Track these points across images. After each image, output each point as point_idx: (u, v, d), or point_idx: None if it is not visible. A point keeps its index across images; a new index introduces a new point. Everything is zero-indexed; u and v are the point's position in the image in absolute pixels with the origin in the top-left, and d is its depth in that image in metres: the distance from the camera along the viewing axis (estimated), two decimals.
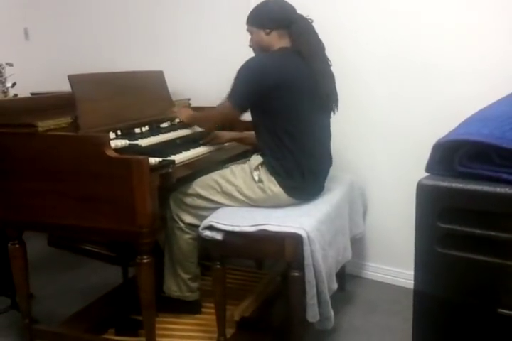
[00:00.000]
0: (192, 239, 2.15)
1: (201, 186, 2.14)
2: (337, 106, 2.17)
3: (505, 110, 1.48)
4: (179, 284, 2.22)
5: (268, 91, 2.01)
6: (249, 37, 2.20)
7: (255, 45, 2.19)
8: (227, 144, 2.44)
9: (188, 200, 2.14)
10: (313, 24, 2.11)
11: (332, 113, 2.19)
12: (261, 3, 2.16)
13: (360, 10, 2.53)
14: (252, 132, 2.32)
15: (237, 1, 2.88)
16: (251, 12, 2.17)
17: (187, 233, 2.14)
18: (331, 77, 2.14)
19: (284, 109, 2.03)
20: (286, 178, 2.05)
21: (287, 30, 2.11)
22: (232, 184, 2.10)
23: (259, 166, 2.09)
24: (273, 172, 2.06)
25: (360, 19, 2.53)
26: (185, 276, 2.20)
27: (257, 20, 2.14)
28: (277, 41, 2.12)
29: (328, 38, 2.11)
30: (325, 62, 2.12)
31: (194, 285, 2.25)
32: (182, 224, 2.14)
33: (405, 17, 2.43)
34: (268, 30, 2.11)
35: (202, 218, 2.06)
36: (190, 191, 2.14)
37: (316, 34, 2.11)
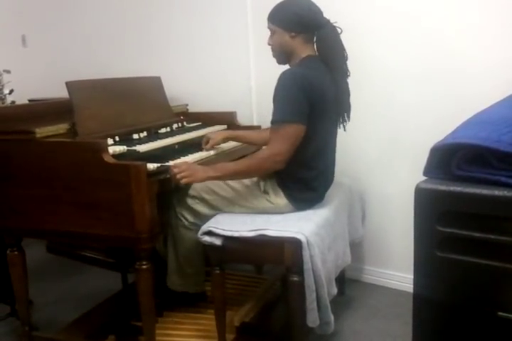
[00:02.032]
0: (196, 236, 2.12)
1: (204, 189, 2.11)
2: (348, 122, 2.14)
3: (503, 113, 1.49)
4: (185, 279, 2.21)
5: (310, 104, 1.92)
6: (265, 34, 2.08)
7: (277, 46, 2.05)
8: (224, 145, 2.42)
9: (190, 201, 2.12)
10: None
11: (344, 129, 2.15)
12: (287, 3, 2.01)
13: (368, 13, 2.53)
14: (248, 131, 2.32)
15: (234, 5, 2.88)
16: (276, 9, 2.03)
17: (191, 230, 2.13)
18: (348, 92, 2.09)
19: (310, 124, 1.95)
20: (295, 191, 2.04)
21: (313, 34, 2.02)
22: (237, 191, 2.09)
23: (266, 177, 2.07)
24: (281, 184, 2.04)
25: (368, 22, 2.53)
26: (191, 270, 2.19)
27: (283, 21, 1.99)
28: (302, 46, 2.01)
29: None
30: (344, 75, 2.05)
31: (200, 278, 2.25)
32: (186, 222, 2.13)
33: (405, 19, 2.43)
34: (294, 34, 1.99)
35: (203, 218, 2.07)
36: (193, 193, 2.12)
37: (341, 43, 2.01)
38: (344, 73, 2.05)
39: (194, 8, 3.06)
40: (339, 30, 2.01)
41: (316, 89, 1.92)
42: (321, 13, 2.01)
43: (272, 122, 1.91)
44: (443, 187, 1.24)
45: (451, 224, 1.25)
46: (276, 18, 2.02)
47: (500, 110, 1.58)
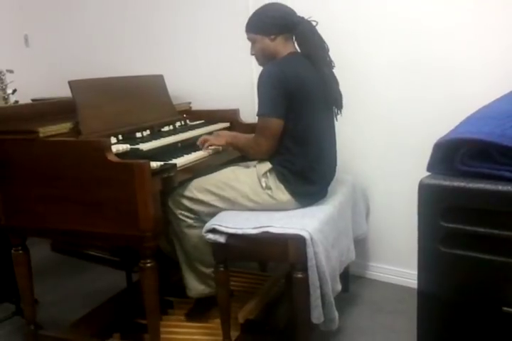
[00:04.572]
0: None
1: (200, 190, 2.10)
2: (341, 110, 2.17)
3: (506, 108, 1.48)
4: (205, 281, 2.17)
5: (289, 96, 1.97)
6: (248, 44, 2.15)
7: (260, 53, 2.12)
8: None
9: (188, 203, 2.10)
10: (319, 27, 2.06)
11: (335, 118, 2.18)
12: (260, 10, 2.10)
13: (361, 12, 2.54)
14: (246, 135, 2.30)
15: (235, 4, 2.88)
16: (251, 20, 2.11)
17: (197, 227, 2.09)
18: (336, 80, 2.12)
19: (297, 115, 2.00)
20: (296, 185, 2.04)
21: (291, 33, 2.08)
22: (237, 190, 2.07)
23: (267, 173, 2.07)
24: (282, 179, 2.04)
25: (361, 21, 2.54)
26: (208, 270, 2.15)
27: (260, 27, 2.07)
28: (283, 46, 2.08)
29: (331, 41, 2.09)
30: (329, 65, 2.09)
31: None
32: (190, 221, 2.11)
33: (404, 16, 2.43)
34: (273, 37, 2.06)
35: (205, 216, 2.07)
36: (189, 194, 2.10)
37: (319, 35, 2.07)
38: (328, 63, 2.10)
39: (196, 7, 3.06)
40: (314, 24, 2.07)
41: (293, 81, 1.98)
42: (293, 13, 2.10)
43: (257, 115, 2.04)
44: (447, 183, 1.24)
45: (455, 220, 1.24)
46: (253, 26, 2.11)
47: (503, 105, 1.58)
